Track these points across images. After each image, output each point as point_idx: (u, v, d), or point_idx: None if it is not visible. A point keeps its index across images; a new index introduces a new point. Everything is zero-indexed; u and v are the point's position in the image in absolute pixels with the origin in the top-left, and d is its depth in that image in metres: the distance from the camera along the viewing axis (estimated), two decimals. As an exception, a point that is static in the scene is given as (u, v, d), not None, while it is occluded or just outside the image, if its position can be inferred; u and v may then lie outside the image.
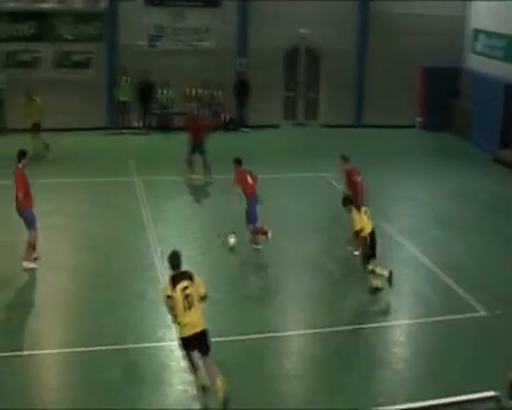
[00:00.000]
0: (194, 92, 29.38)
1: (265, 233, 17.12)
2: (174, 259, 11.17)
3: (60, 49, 28.74)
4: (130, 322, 13.81)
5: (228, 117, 29.97)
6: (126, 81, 28.77)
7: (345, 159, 17.56)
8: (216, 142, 24.08)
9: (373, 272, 14.97)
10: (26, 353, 12.67)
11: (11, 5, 28.33)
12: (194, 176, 22.38)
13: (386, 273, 15.02)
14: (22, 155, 15.68)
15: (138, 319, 13.92)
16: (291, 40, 30.18)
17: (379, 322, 14.35)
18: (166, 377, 12.08)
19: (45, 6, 28.58)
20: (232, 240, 17.22)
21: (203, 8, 29.63)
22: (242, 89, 29.72)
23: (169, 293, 10.82)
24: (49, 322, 14.07)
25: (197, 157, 22.32)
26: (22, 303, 14.70)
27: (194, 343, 10.90)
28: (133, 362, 12.51)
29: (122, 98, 28.81)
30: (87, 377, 12.02)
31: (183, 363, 11.82)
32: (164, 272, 15.54)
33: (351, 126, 30.73)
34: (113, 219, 18.98)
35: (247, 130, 29.75)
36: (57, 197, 20.33)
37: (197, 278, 11.08)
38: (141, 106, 29.13)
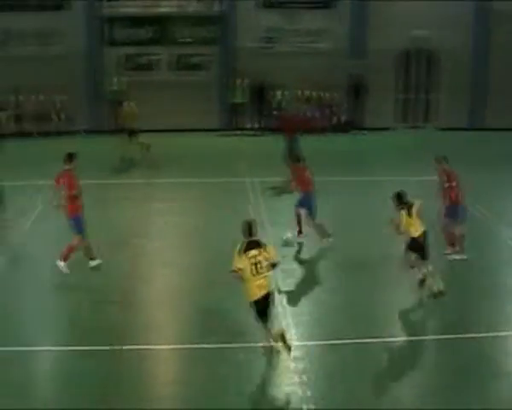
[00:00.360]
0: (306, 94, 29.28)
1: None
2: (246, 228, 11.95)
3: (176, 52, 29.31)
4: (238, 321, 13.78)
5: (343, 119, 29.68)
6: (241, 83, 28.98)
7: (440, 161, 16.97)
8: (332, 143, 23.85)
9: (422, 282, 14.34)
10: (141, 347, 12.80)
11: (130, 10, 29.14)
12: None
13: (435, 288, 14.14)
14: (70, 157, 15.25)
15: (248, 319, 13.87)
16: (405, 41, 29.64)
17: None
18: (276, 378, 11.94)
19: (162, 10, 29.24)
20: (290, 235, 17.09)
21: (317, 10, 29.56)
22: (357, 91, 29.39)
23: (235, 267, 11.74)
24: (161, 318, 14.20)
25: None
26: (135, 299, 14.95)
27: (261, 306, 11.86)
28: (242, 361, 12.47)
29: (237, 100, 29.07)
30: (199, 373, 12.05)
31: (293, 364, 11.78)
32: (279, 272, 15.59)
33: (467, 129, 29.84)
34: (224, 219, 19.03)
35: (365, 132, 29.42)
36: (170, 196, 20.64)
37: (269, 247, 11.92)
38: (255, 108, 29.26)
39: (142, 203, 19.09)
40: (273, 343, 12.14)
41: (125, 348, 12.70)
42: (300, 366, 12.00)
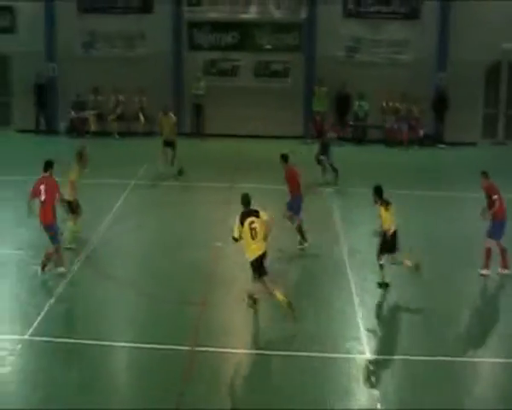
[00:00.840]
0: (390, 105, 28.89)
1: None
2: (244, 199, 13.99)
3: (258, 59, 29.32)
4: (317, 330, 13.64)
5: (423, 132, 29.15)
6: (322, 91, 28.80)
7: (486, 175, 16.59)
8: (411, 157, 23.45)
9: (382, 267, 15.25)
10: (217, 350, 12.86)
11: (213, 15, 29.28)
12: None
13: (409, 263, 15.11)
14: (50, 165, 15.48)
15: (326, 328, 13.72)
16: (493, 54, 28.86)
17: None
18: (353, 389, 11.79)
19: (245, 16, 29.28)
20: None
21: (402, 21, 29.13)
22: (441, 104, 28.83)
23: (234, 235, 13.70)
24: (238, 322, 14.25)
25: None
26: (214, 302, 14.97)
27: (257, 265, 13.64)
28: (318, 370, 12.30)
29: (317, 108, 28.87)
30: (274, 379, 12.01)
31: (373, 378, 11.75)
32: (355, 283, 15.37)
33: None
34: (306, 228, 18.88)
35: (443, 146, 28.84)
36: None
37: (262, 213, 13.78)
38: (336, 117, 29.02)
39: (222, 206, 19.01)
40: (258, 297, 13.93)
41: (201, 349, 12.73)
42: (375, 379, 11.91)
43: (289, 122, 28.53)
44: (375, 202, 15.23)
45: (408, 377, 12.21)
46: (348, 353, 12.81)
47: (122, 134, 29.03)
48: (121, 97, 29.49)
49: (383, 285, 15.32)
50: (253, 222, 13.64)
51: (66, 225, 17.09)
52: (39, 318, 13.78)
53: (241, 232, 13.63)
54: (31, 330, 13.29)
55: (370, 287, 15.41)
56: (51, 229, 15.17)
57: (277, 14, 29.32)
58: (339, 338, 13.34)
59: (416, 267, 15.22)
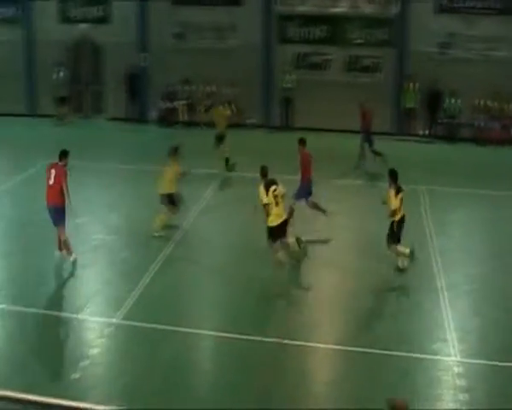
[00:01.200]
0: (482, 103, 28.24)
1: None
2: (264, 170, 15.02)
3: (349, 53, 29.08)
4: (404, 330, 13.45)
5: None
6: (413, 88, 28.39)
7: None
8: (503, 157, 22.82)
9: (399, 253, 15.53)
10: (296, 343, 12.80)
11: (303, 9, 29.18)
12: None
13: (407, 251, 15.39)
14: (65, 154, 15.70)
15: (414, 329, 13.51)
16: None
17: None
18: (438, 392, 11.56)
19: (336, 10, 29.09)
20: None
21: (497, 17, 28.35)
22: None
23: (266, 201, 14.56)
24: (326, 317, 14.20)
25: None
26: (303, 296, 14.91)
27: (279, 230, 14.73)
28: (404, 370, 12.12)
29: (408, 105, 28.50)
30: (360, 377, 11.88)
31: (457, 381, 11.57)
32: (445, 284, 15.09)
33: None
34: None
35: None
36: (343, 198, 20.55)
37: (280, 183, 14.82)
38: (428, 114, 28.55)
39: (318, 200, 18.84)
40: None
41: (287, 342, 12.71)
42: (464, 383, 11.67)
43: (378, 118, 28.11)
44: (389, 185, 15.42)
45: (498, 385, 11.83)
46: (435, 354, 12.56)
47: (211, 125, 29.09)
48: (211, 88, 29.71)
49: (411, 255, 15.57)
50: (275, 190, 14.76)
51: (158, 215, 17.41)
52: (128, 302, 14.04)
53: (268, 201, 14.64)
54: (119, 314, 13.56)
55: (460, 288, 15.10)
56: (57, 211, 15.49)
57: (368, 9, 28.98)
58: (426, 339, 13.12)
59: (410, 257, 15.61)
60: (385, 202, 15.50)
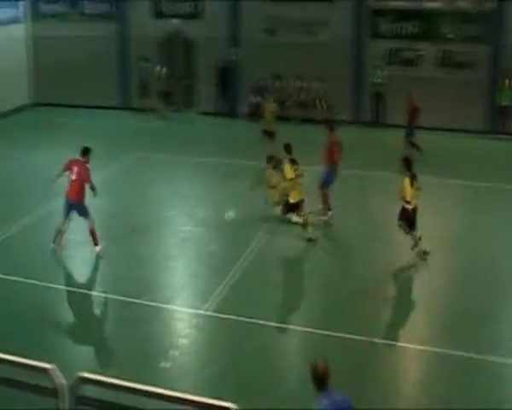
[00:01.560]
0: None
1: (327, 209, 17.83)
2: (288, 147, 16.76)
3: (442, 49, 28.50)
4: (500, 334, 13.09)
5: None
6: (509, 85, 27.61)
7: None
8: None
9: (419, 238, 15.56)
10: (392, 343, 12.72)
11: (395, 3, 28.79)
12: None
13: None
14: (87, 151, 15.95)
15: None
16: None
17: None
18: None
19: (430, 5, 28.57)
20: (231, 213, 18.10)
21: None
22: None
23: (291, 176, 16.22)
24: (416, 317, 13.97)
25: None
26: (393, 295, 14.80)
27: (296, 206, 16.43)
28: (495, 376, 11.78)
29: (503, 103, 27.72)
30: (451, 379, 11.60)
31: None
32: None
33: None
34: (486, 225, 18.15)
35: None
36: (429, 196, 20.05)
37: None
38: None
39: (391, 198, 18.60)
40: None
41: (377, 341, 12.55)
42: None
43: (470, 116, 27.53)
44: (403, 172, 15.38)
45: None
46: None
47: (304, 120, 28.99)
48: (301, 83, 29.64)
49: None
50: (297, 169, 16.40)
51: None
52: (216, 294, 14.15)
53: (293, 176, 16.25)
54: (207, 306, 13.67)
55: None
56: (77, 205, 15.80)
57: (464, 4, 28.32)
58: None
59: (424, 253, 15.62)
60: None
